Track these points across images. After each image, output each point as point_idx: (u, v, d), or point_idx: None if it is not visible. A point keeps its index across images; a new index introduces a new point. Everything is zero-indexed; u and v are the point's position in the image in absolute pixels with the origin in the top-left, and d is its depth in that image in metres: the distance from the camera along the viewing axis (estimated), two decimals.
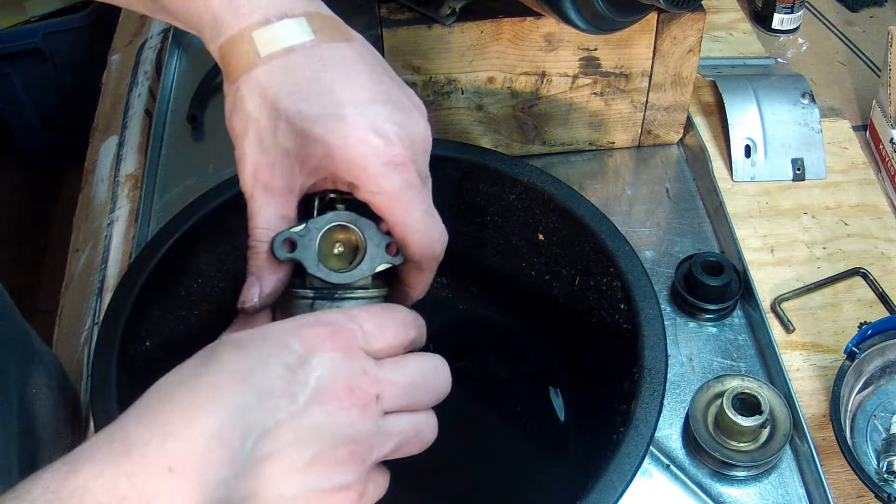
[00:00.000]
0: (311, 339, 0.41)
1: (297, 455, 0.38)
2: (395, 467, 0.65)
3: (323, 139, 0.46)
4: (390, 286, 0.51)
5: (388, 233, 0.49)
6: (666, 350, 0.55)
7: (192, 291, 0.65)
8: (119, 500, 0.34)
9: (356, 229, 0.49)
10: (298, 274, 0.49)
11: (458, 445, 0.66)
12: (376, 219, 0.49)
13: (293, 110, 0.46)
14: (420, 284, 0.52)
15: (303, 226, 0.48)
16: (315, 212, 0.50)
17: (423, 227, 0.48)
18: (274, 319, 0.50)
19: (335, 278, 0.48)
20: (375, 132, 0.46)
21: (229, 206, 0.63)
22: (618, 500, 0.48)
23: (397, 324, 0.45)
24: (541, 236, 0.67)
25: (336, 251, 0.50)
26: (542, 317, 0.70)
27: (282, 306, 0.50)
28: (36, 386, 0.63)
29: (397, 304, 0.48)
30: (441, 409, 0.66)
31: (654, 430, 0.51)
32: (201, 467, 0.36)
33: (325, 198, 0.50)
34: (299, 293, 0.49)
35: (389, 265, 0.50)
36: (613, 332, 0.61)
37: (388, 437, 0.42)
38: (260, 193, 0.48)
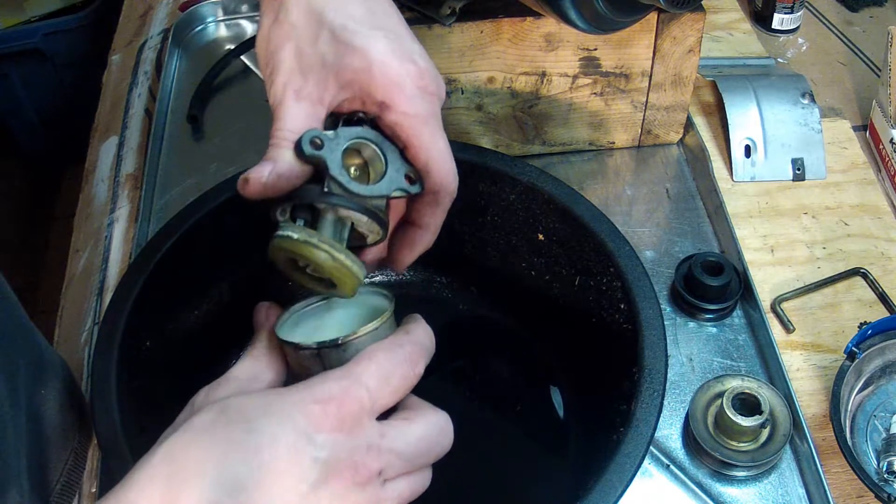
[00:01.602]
0: (317, 417, 0.40)
1: None
2: None
3: (364, 51, 0.47)
4: (387, 230, 0.51)
5: (409, 163, 0.50)
6: (666, 350, 0.55)
7: (192, 291, 0.65)
8: None
9: (379, 152, 0.49)
10: (315, 181, 0.48)
11: (458, 445, 0.66)
12: (398, 149, 0.50)
13: (338, 22, 0.48)
14: (433, 224, 0.52)
15: (332, 132, 0.48)
16: (342, 124, 0.50)
17: (445, 156, 0.49)
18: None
19: (355, 188, 0.48)
20: (412, 60, 0.49)
21: (229, 207, 0.63)
22: (618, 500, 0.48)
23: (405, 364, 0.44)
24: (541, 236, 0.67)
25: (354, 172, 0.49)
26: (542, 317, 0.70)
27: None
28: (45, 387, 0.63)
29: (404, 335, 0.46)
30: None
31: (654, 430, 0.51)
32: None
33: (353, 117, 0.50)
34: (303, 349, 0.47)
35: (406, 193, 0.50)
36: (613, 332, 0.61)
37: (385, 502, 0.42)
38: (291, 99, 0.48)
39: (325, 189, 0.47)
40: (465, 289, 0.74)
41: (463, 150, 0.68)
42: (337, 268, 0.47)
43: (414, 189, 0.50)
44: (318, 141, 0.47)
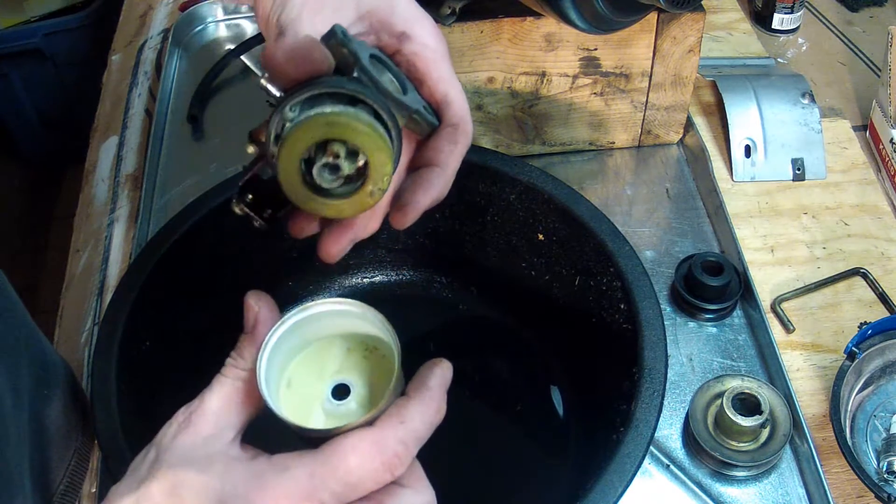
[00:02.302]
0: None
1: None
2: None
3: None
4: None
5: (425, 99, 0.48)
6: (666, 350, 0.55)
7: (193, 291, 0.65)
8: None
9: (396, 81, 0.46)
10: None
11: (459, 445, 0.66)
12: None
13: None
14: (451, 164, 0.48)
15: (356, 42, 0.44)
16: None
17: (462, 93, 0.49)
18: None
19: (386, 84, 0.43)
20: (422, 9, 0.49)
21: (230, 207, 0.63)
22: (618, 500, 0.48)
23: (382, 471, 0.39)
24: (541, 236, 0.67)
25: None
26: (543, 317, 0.70)
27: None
28: (48, 389, 0.62)
29: (398, 425, 0.41)
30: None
31: (654, 430, 0.51)
32: None
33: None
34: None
35: (426, 120, 0.47)
36: (613, 332, 0.61)
37: None
38: (307, 18, 0.46)
39: (356, 76, 0.42)
40: (465, 289, 0.74)
41: None
42: (376, 137, 0.40)
43: (432, 118, 0.47)
44: (346, 35, 0.43)
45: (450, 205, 0.71)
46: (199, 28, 1.08)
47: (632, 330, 0.57)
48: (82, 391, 0.70)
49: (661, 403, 0.52)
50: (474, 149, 0.69)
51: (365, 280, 0.75)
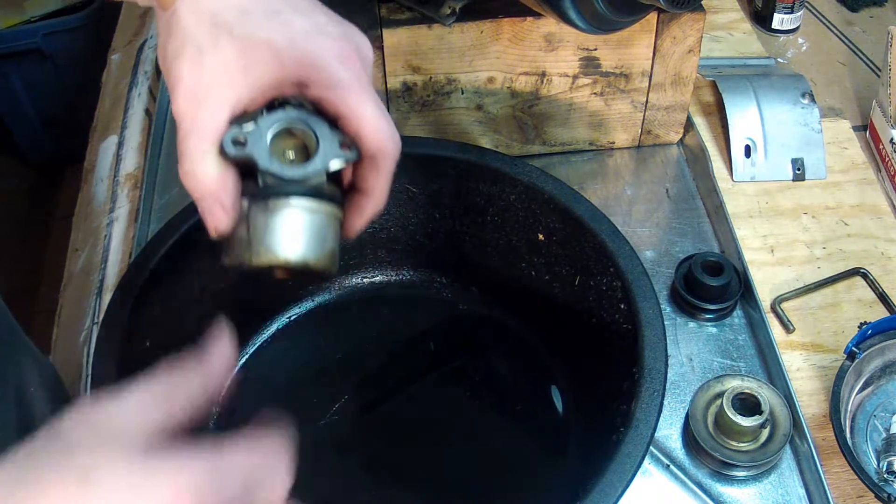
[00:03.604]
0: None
1: None
2: (394, 465, 0.65)
3: (269, 42, 0.46)
4: (341, 204, 0.50)
5: (341, 131, 0.48)
6: (666, 350, 0.55)
7: (192, 291, 0.65)
8: None
9: (307, 129, 0.48)
10: (246, 179, 0.47)
11: (458, 444, 0.66)
12: (328, 120, 0.48)
13: (235, 20, 0.46)
14: (378, 189, 0.50)
15: (251, 123, 0.47)
16: (264, 113, 0.48)
17: (377, 118, 0.48)
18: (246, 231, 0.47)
19: (289, 173, 0.46)
20: (321, 32, 0.47)
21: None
22: (618, 500, 0.48)
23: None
24: (541, 236, 0.67)
25: (287, 157, 0.48)
26: (543, 316, 0.70)
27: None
28: (34, 385, 0.62)
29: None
30: (442, 409, 0.66)
31: (654, 430, 0.51)
32: None
33: (273, 104, 0.49)
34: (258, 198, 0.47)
35: (344, 161, 0.48)
36: (613, 331, 0.61)
37: None
38: (195, 110, 0.46)
39: (260, 184, 0.46)
40: (466, 289, 0.74)
41: (463, 150, 0.68)
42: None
43: (351, 155, 0.49)
44: (240, 139, 0.46)
45: (449, 205, 0.71)
46: None
47: (632, 330, 0.57)
48: (66, 393, 0.70)
49: (662, 403, 0.52)
50: (475, 149, 0.69)
51: (365, 280, 0.75)
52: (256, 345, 0.71)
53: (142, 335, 0.60)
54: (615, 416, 0.55)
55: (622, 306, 0.59)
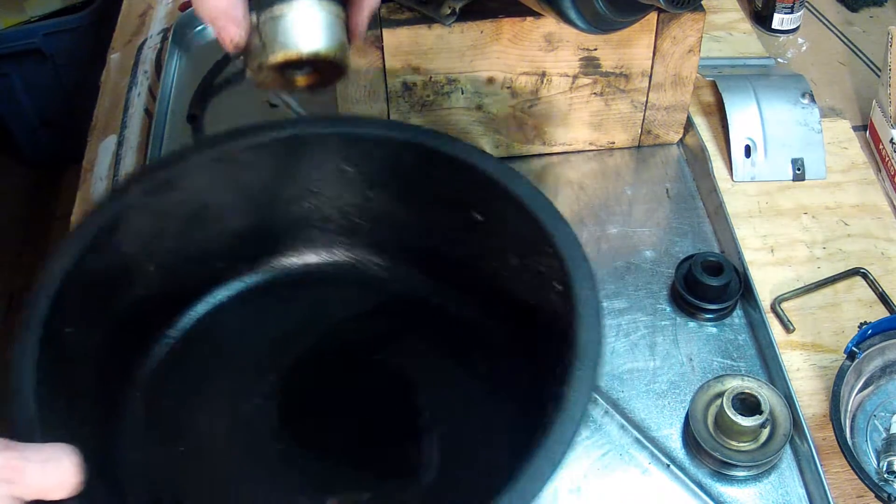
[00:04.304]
0: None
1: None
2: (320, 447, 0.63)
3: None
4: (343, 5, 0.53)
5: None
6: (601, 331, 0.53)
7: (118, 276, 0.62)
8: None
9: None
10: None
11: (390, 428, 0.64)
12: None
13: None
14: None
15: None
16: None
17: None
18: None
19: None
20: None
21: (157, 188, 0.62)
22: (545, 485, 0.46)
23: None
24: (477, 215, 0.65)
25: None
26: (481, 296, 0.68)
27: None
28: None
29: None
30: (374, 390, 0.65)
31: (584, 413, 0.49)
32: None
33: None
34: None
35: None
36: (549, 313, 0.59)
37: None
38: None
39: None
40: (402, 269, 0.71)
41: (398, 129, 0.67)
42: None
43: None
44: None
45: (382, 183, 0.68)
46: (200, 28, 1.08)
47: (567, 311, 0.55)
48: None
49: (595, 385, 0.51)
50: (410, 127, 0.67)
51: (296, 261, 0.73)
52: (184, 328, 0.68)
53: (65, 321, 0.57)
54: (548, 400, 0.53)
55: (559, 287, 0.57)
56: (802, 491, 0.64)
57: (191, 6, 1.07)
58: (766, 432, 0.64)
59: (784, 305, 0.75)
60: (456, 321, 0.70)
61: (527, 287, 0.62)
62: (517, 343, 0.66)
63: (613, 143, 0.89)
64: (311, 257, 0.73)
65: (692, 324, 0.74)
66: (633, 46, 0.80)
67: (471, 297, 0.69)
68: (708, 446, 0.64)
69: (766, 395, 0.64)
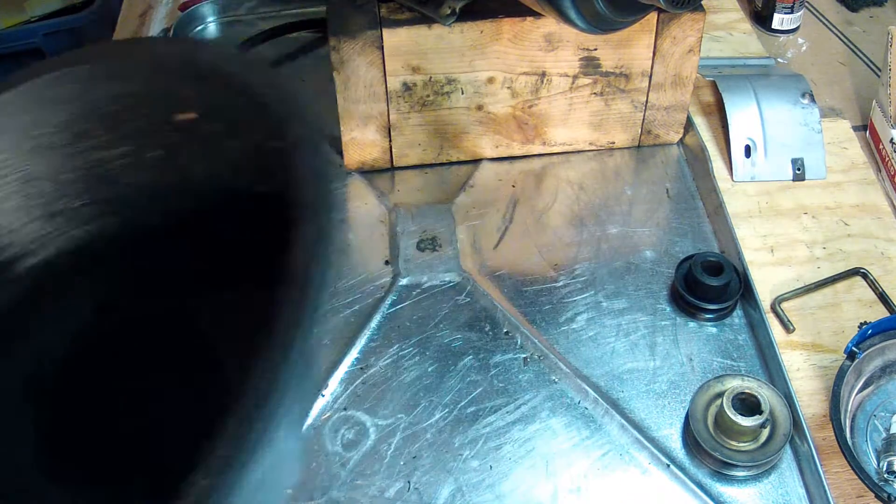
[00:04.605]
0: None
1: None
2: None
3: None
4: None
5: None
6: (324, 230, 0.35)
7: None
8: None
9: None
10: None
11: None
12: None
13: None
14: None
15: None
16: None
17: None
18: None
19: None
20: None
21: None
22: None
23: None
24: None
25: None
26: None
27: None
28: None
29: None
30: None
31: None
32: None
33: None
34: None
35: None
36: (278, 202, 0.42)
37: None
38: None
39: None
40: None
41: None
42: None
43: None
44: None
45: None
46: (199, 28, 1.08)
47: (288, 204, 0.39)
48: None
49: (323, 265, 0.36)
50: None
51: None
52: None
53: None
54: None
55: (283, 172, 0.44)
56: (802, 491, 0.64)
57: (190, 6, 1.08)
58: (766, 432, 0.64)
59: (784, 305, 0.75)
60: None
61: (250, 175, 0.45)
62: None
63: (613, 143, 0.89)
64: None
65: (692, 324, 0.74)
66: (633, 46, 0.80)
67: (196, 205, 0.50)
68: (708, 446, 0.64)
69: (766, 395, 0.64)
